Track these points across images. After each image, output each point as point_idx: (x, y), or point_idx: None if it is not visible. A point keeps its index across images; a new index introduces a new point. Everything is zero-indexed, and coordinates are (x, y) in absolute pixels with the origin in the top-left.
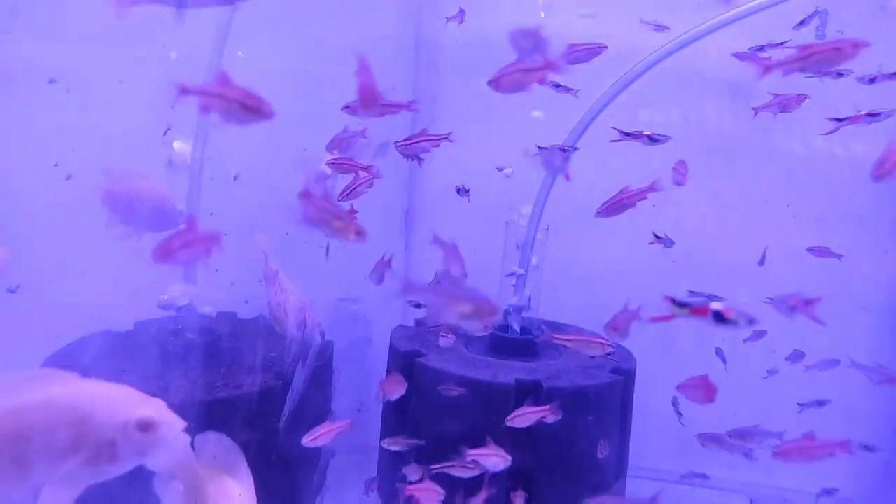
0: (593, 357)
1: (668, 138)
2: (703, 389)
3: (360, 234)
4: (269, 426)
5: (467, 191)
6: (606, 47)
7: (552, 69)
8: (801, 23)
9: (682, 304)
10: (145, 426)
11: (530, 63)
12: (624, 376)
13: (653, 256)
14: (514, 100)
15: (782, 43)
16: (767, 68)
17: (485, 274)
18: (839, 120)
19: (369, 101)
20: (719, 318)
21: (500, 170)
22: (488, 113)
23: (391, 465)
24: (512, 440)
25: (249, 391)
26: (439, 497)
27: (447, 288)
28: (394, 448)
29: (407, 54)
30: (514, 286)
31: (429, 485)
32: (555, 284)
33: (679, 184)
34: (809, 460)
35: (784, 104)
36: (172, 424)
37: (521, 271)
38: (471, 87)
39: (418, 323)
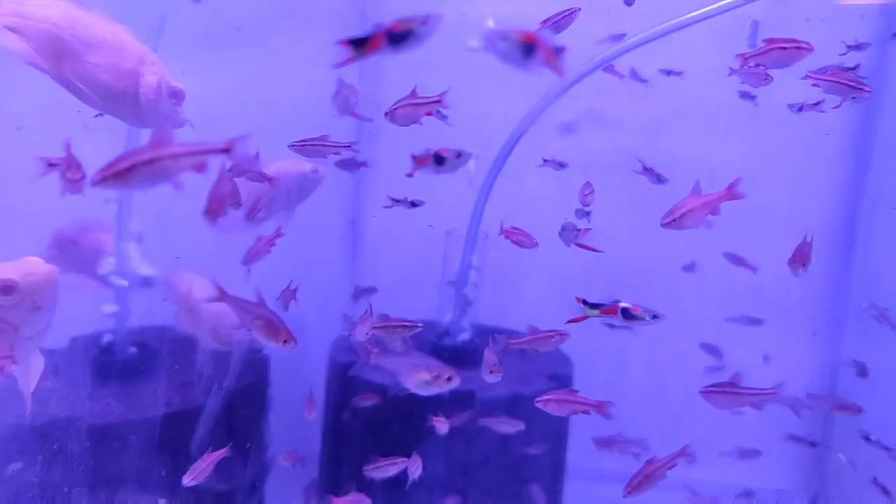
0: (533, 363)
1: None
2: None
3: (288, 341)
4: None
5: (414, 203)
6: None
7: (440, 104)
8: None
9: (593, 306)
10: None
11: (420, 98)
12: (560, 382)
13: (589, 266)
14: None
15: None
16: (745, 59)
17: (427, 281)
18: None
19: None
20: (627, 314)
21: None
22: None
23: (329, 476)
24: (447, 448)
25: (177, 409)
26: None
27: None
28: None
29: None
30: (453, 295)
31: (355, 497)
32: (495, 290)
33: (585, 204)
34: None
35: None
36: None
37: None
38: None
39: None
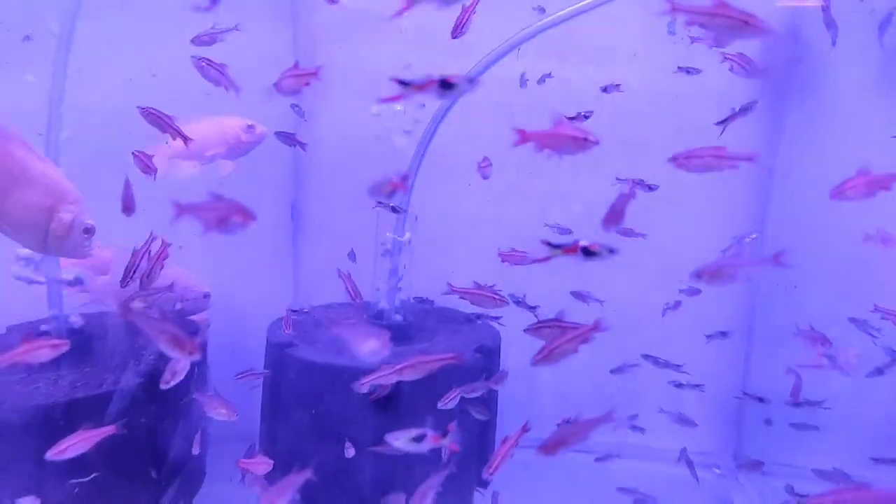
0: (461, 336)
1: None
2: None
3: (193, 353)
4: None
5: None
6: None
7: (315, 76)
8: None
9: (555, 246)
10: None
11: (301, 70)
12: (486, 354)
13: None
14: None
15: None
16: (675, 8)
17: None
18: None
19: None
20: (588, 252)
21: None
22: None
23: (267, 449)
24: (375, 419)
25: (109, 390)
26: (268, 467)
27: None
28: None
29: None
30: (387, 271)
31: (259, 458)
32: (427, 267)
33: (485, 177)
34: None
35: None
36: None
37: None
38: (356, 68)
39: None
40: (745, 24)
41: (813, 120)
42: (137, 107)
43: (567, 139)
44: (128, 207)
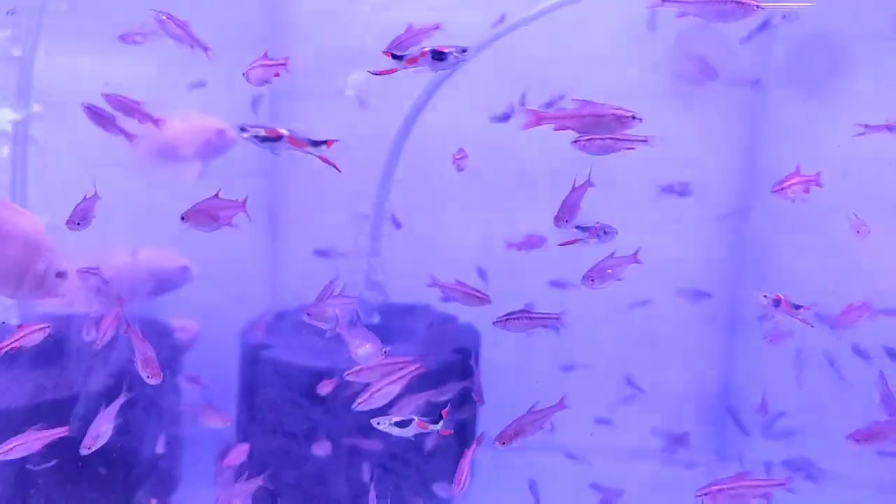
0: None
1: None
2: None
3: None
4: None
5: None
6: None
7: (285, 67)
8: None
9: (398, 57)
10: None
11: (270, 60)
12: (464, 354)
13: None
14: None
15: None
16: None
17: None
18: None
19: None
20: (437, 56)
21: None
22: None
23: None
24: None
25: (79, 392)
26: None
27: None
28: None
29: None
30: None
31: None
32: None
33: (460, 169)
34: None
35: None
36: None
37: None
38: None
39: (278, 317)
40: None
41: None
42: (102, 93)
43: (609, 117)
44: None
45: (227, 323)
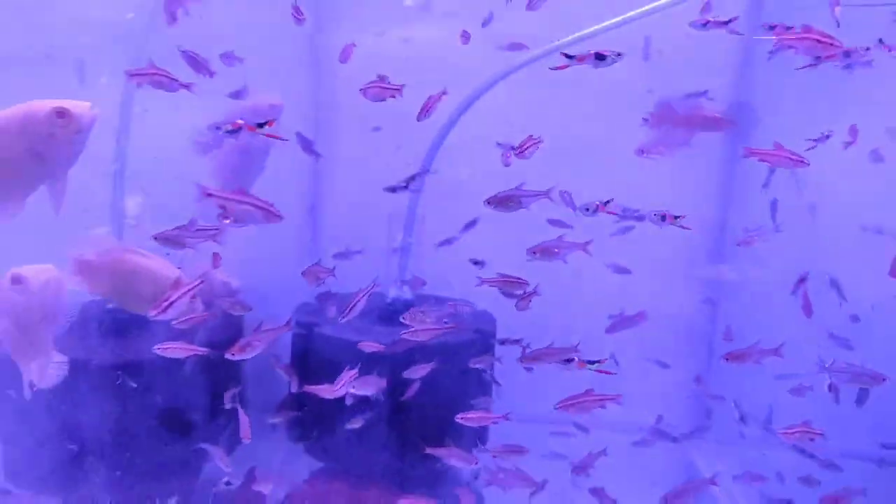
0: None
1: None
2: None
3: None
4: None
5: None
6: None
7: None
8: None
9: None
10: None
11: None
12: (482, 335)
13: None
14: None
15: None
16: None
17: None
18: (568, 57)
19: None
20: (599, 57)
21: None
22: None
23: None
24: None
25: None
26: None
27: None
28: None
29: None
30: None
31: None
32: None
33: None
34: None
35: None
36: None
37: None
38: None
39: (319, 298)
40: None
41: None
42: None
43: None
44: None
45: (277, 311)
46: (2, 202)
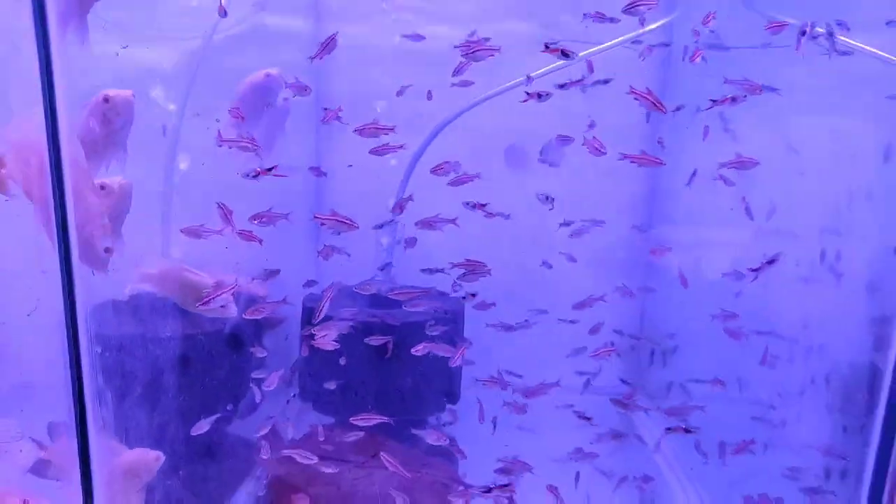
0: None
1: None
2: None
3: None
4: None
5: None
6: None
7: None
8: None
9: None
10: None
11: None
12: (451, 315)
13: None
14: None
15: None
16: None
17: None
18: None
19: None
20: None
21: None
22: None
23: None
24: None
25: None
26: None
27: None
28: None
29: None
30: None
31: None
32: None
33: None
34: None
35: None
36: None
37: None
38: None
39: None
40: None
41: None
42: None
43: None
44: None
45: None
46: None
